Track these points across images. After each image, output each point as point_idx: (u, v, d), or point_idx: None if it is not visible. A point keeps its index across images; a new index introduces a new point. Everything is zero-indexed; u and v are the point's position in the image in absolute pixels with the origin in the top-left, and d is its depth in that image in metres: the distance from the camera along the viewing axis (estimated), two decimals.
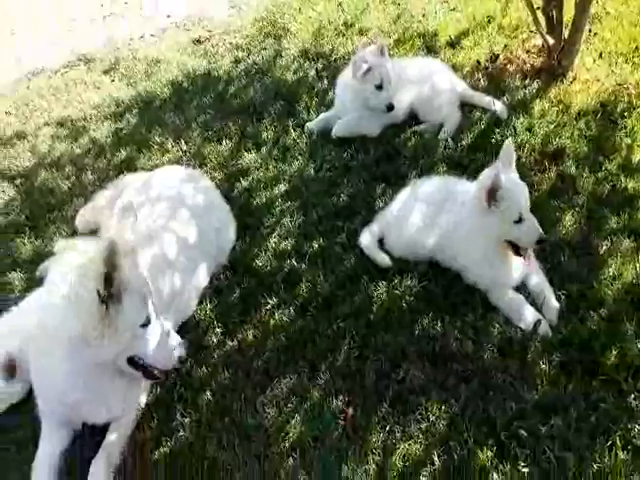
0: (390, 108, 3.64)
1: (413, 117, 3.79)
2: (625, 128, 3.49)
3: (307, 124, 3.86)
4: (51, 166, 4.05)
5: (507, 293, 2.67)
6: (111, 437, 2.32)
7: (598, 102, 3.68)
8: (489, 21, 4.59)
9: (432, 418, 2.30)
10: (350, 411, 2.36)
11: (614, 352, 2.41)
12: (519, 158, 3.15)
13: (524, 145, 3.44)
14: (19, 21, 6.28)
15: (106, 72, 5.10)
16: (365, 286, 2.82)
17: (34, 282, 2.87)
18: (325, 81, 4.26)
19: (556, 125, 3.55)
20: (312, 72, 4.40)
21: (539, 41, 4.11)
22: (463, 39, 4.42)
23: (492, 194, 2.57)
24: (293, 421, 2.37)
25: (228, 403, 2.46)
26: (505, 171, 2.60)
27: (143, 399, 2.46)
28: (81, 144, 4.22)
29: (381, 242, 2.99)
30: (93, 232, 3.09)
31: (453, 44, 4.40)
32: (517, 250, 2.67)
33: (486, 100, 3.74)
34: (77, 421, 2.35)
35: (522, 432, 2.19)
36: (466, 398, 2.34)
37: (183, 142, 3.97)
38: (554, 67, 3.91)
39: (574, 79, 3.86)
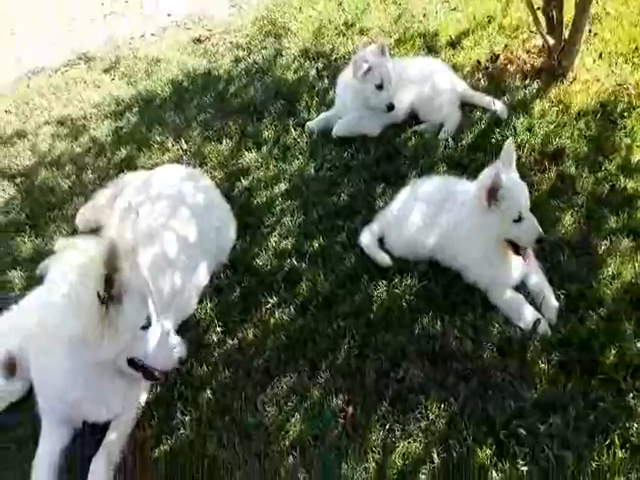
0: (390, 108, 3.65)
1: (413, 117, 3.79)
2: (625, 128, 3.50)
3: (307, 123, 3.86)
4: (51, 165, 4.05)
5: (507, 292, 2.67)
6: (111, 435, 2.32)
7: (598, 102, 3.68)
8: (489, 21, 4.59)
9: (431, 417, 2.31)
10: (350, 410, 2.37)
11: (613, 351, 2.41)
12: (519, 158, 3.15)
13: (524, 145, 3.44)
14: (19, 20, 6.28)
15: (106, 71, 5.10)
16: (365, 285, 2.83)
17: (34, 280, 2.88)
18: (325, 80, 4.26)
19: (556, 125, 3.56)
20: (312, 71, 4.40)
21: (539, 41, 4.12)
22: (463, 39, 4.43)
23: (492, 193, 2.58)
24: (293, 420, 2.37)
25: (228, 402, 2.47)
26: (505, 171, 2.60)
27: (143, 397, 2.47)
28: (81, 143, 4.23)
29: (381, 241, 3.00)
30: (93, 231, 3.09)
31: (453, 44, 4.40)
32: (517, 249, 2.68)
33: (486, 100, 3.75)
34: (77, 419, 2.35)
35: (521, 431, 2.20)
36: (465, 397, 2.34)
37: (183, 141, 3.98)
38: (554, 67, 3.91)
39: (574, 79, 3.86)
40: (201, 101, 4.37)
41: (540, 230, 2.61)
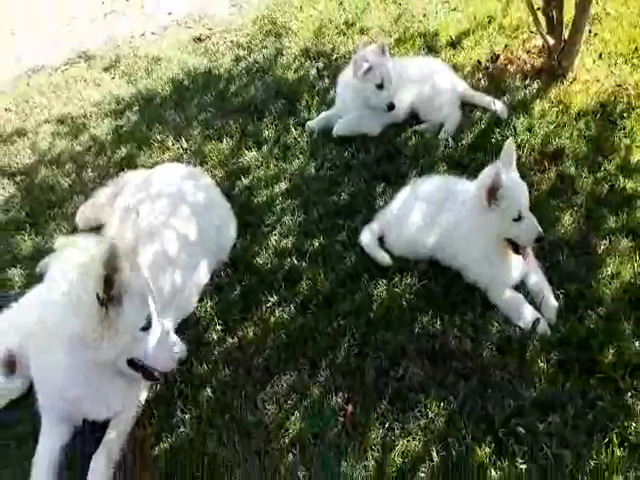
0: (391, 107, 3.65)
1: (414, 116, 3.80)
2: (624, 129, 3.50)
3: (308, 123, 3.86)
4: (51, 163, 4.06)
5: (506, 292, 2.68)
6: (111, 433, 2.32)
7: (598, 103, 3.69)
8: (490, 21, 4.60)
9: (431, 415, 2.31)
10: (350, 408, 2.37)
11: (611, 351, 2.42)
12: (519, 158, 3.16)
13: (524, 145, 3.45)
14: (19, 20, 6.28)
15: (107, 69, 5.11)
16: (365, 284, 2.83)
17: (34, 278, 2.89)
18: (326, 80, 4.27)
19: (556, 125, 3.56)
20: (313, 71, 4.41)
21: (539, 41, 4.12)
22: (464, 39, 4.43)
23: (492, 193, 2.58)
24: (293, 418, 2.38)
25: (228, 400, 2.47)
26: (505, 170, 2.61)
27: (143, 395, 2.47)
28: (81, 141, 4.23)
29: (381, 241, 3.00)
30: (93, 229, 3.10)
31: (454, 44, 4.40)
32: (516, 248, 2.69)
33: (486, 100, 3.75)
34: (77, 417, 2.35)
35: (520, 429, 2.20)
36: (465, 395, 2.35)
37: (184, 140, 3.98)
38: (554, 67, 3.92)
39: (574, 79, 3.87)
40: (201, 100, 4.37)
41: (540, 229, 2.62)
